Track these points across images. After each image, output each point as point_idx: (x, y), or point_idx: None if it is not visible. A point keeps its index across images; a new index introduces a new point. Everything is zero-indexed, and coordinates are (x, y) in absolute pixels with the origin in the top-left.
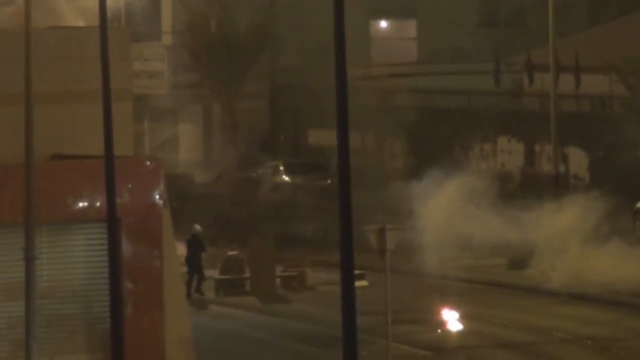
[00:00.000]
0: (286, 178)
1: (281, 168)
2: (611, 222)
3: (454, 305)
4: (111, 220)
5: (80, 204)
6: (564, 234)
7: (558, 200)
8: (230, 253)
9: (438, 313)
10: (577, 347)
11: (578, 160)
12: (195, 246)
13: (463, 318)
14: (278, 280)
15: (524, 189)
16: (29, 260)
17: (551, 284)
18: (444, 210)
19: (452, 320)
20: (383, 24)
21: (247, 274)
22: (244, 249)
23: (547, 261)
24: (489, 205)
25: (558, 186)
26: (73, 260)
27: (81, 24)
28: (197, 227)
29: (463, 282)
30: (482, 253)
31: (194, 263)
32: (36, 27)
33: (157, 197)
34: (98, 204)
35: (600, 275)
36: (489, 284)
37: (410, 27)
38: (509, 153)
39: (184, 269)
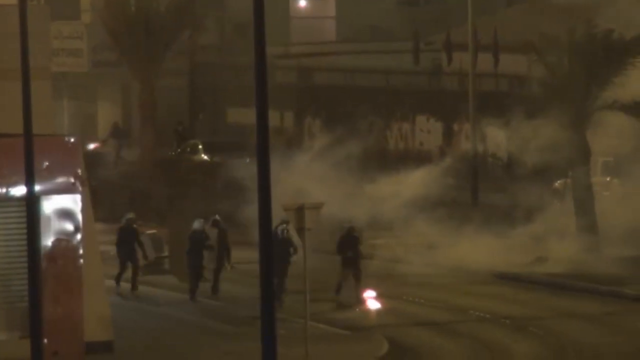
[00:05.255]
0: (205, 157)
1: (200, 147)
2: (529, 202)
3: (372, 284)
4: (30, 198)
5: None
6: (473, 213)
7: (473, 179)
8: (149, 232)
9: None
10: (495, 326)
11: (496, 140)
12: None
13: (381, 297)
14: None
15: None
16: None
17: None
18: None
19: (370, 299)
20: (302, 2)
21: (166, 253)
22: (163, 228)
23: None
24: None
25: (475, 166)
26: None
27: None
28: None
29: (381, 261)
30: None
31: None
32: None
33: (76, 175)
34: (17, 182)
35: (516, 255)
36: (408, 262)
37: (330, 6)
38: (428, 132)
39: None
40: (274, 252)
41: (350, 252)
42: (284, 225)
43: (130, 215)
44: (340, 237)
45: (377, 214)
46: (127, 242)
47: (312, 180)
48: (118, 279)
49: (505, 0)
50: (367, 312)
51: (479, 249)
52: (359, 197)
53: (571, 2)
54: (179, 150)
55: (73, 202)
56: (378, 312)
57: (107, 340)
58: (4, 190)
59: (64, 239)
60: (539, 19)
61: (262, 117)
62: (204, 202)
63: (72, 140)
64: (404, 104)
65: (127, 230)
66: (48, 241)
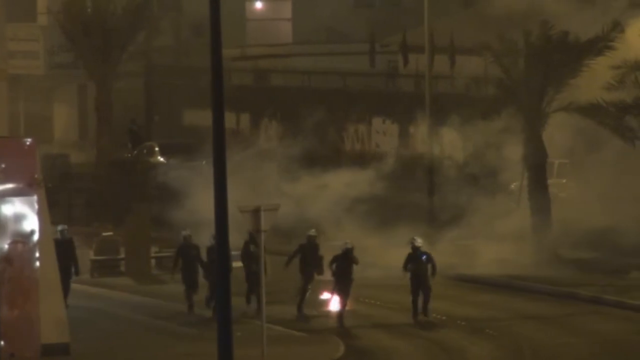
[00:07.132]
0: (161, 159)
1: (156, 149)
2: (483, 203)
3: (330, 286)
4: None
5: None
6: (424, 215)
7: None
8: (105, 234)
9: (315, 294)
10: (451, 328)
11: (452, 142)
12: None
13: (337, 298)
14: (153, 261)
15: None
16: None
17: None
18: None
19: (328, 301)
20: (258, 4)
21: (122, 255)
22: (119, 230)
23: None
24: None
25: (432, 168)
26: None
27: None
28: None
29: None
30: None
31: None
32: None
33: (33, 177)
34: None
35: (473, 257)
36: (364, 264)
37: (286, 8)
38: (384, 134)
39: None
40: (339, 267)
41: (419, 269)
42: (349, 242)
43: (187, 232)
44: (407, 254)
45: (319, 215)
46: (188, 262)
47: (256, 181)
48: (190, 305)
49: (461, 2)
50: (326, 314)
51: (435, 251)
52: (296, 198)
53: (526, 6)
54: (135, 151)
55: (29, 204)
56: (334, 314)
57: (64, 343)
58: None
59: (20, 242)
60: (495, 21)
61: (218, 119)
62: (161, 204)
63: (29, 142)
64: (360, 106)
65: (187, 248)
66: (4, 244)
